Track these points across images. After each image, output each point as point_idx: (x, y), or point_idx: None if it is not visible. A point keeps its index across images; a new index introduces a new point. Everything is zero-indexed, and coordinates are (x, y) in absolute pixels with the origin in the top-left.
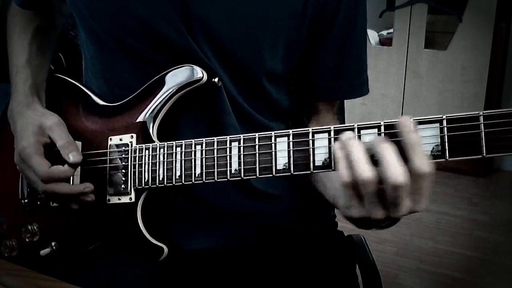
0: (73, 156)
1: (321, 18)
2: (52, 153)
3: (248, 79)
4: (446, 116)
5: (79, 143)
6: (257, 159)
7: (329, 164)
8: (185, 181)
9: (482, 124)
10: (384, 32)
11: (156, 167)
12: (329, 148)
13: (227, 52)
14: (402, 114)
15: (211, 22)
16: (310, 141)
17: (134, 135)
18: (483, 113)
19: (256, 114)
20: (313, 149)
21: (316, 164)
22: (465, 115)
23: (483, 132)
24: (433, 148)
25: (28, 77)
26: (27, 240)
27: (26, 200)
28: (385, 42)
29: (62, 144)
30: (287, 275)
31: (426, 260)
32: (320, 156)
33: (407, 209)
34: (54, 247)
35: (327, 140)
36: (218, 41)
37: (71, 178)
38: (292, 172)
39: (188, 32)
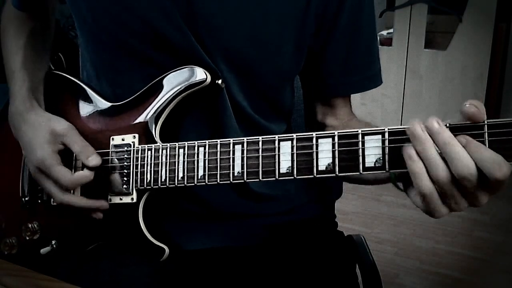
0: (92, 160)
1: (326, 12)
2: (66, 158)
3: (255, 78)
4: (449, 125)
5: None
6: (260, 162)
7: (332, 169)
8: (187, 183)
9: (486, 133)
10: (384, 32)
11: (158, 167)
12: (333, 152)
13: (233, 51)
14: (402, 114)
15: (215, 20)
16: (314, 145)
17: (137, 136)
18: (487, 121)
19: (257, 116)
20: (317, 153)
21: (319, 169)
22: (470, 124)
23: (487, 141)
24: None
25: (24, 80)
26: (27, 238)
27: (26, 198)
28: (385, 42)
29: (79, 150)
30: (288, 275)
31: (426, 260)
32: (323, 161)
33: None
34: (54, 246)
35: (330, 144)
36: (223, 40)
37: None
38: (295, 176)
39: (194, 32)
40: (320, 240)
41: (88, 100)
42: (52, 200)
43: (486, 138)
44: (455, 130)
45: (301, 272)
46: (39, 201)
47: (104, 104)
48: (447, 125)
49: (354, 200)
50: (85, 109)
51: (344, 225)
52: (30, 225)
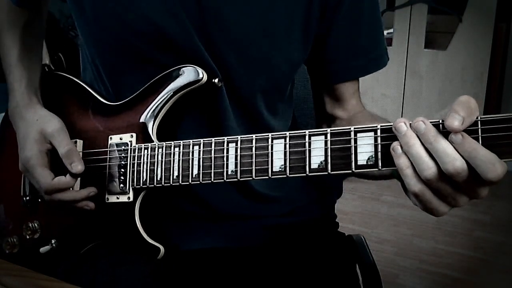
0: (75, 167)
1: None
2: (56, 159)
3: (266, 68)
4: (442, 121)
5: (80, 142)
6: (254, 160)
7: (324, 167)
8: (182, 181)
9: (480, 130)
10: (384, 32)
11: (154, 166)
12: (325, 150)
13: (244, 43)
14: (402, 114)
15: (224, 13)
16: (307, 143)
17: (134, 135)
18: (480, 118)
19: (265, 112)
20: (309, 151)
21: (312, 167)
22: None
23: (480, 138)
24: None
25: (22, 75)
26: (27, 237)
27: (27, 198)
28: (385, 42)
29: (64, 153)
30: (288, 275)
31: (426, 260)
32: (316, 159)
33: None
34: (54, 245)
35: (323, 142)
36: (233, 32)
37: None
38: (288, 174)
39: (202, 28)
40: (321, 241)
41: (88, 100)
42: (56, 208)
43: (480, 134)
44: (451, 134)
45: (302, 272)
46: (40, 200)
47: (103, 103)
48: (440, 121)
49: (354, 200)
50: (84, 108)
51: (344, 225)
52: (30, 224)
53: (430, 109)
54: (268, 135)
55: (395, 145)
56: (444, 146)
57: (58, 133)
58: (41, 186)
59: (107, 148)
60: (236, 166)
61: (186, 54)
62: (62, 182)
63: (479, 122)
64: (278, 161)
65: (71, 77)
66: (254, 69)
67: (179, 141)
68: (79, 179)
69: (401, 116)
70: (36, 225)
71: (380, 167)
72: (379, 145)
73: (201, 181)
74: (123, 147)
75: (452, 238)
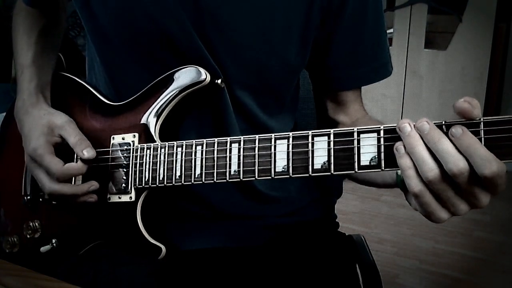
0: (87, 152)
1: (331, 5)
2: (62, 152)
3: (262, 73)
4: (445, 122)
5: None
6: (256, 160)
7: (327, 168)
8: (184, 181)
9: (482, 131)
10: None
11: (156, 166)
12: (328, 151)
13: (240, 46)
14: (402, 114)
15: (222, 15)
16: (310, 144)
17: (137, 135)
18: (483, 119)
19: (263, 115)
20: (312, 152)
21: (315, 167)
22: (466, 121)
23: (483, 139)
24: None
25: (33, 76)
26: (28, 236)
27: (28, 197)
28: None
29: (75, 142)
30: (288, 276)
31: (426, 260)
32: (319, 159)
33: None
34: (54, 244)
35: (326, 143)
36: (230, 35)
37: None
38: (291, 175)
39: (200, 28)
40: (322, 241)
41: (91, 100)
42: (56, 202)
43: (482, 135)
44: (451, 127)
45: (302, 272)
46: (41, 199)
47: (106, 104)
48: (444, 122)
49: (354, 200)
50: (88, 109)
51: (344, 225)
52: (31, 224)
53: (430, 109)
54: (271, 136)
55: (399, 145)
56: (447, 146)
57: (67, 125)
58: (52, 172)
59: (110, 148)
60: (238, 166)
61: (188, 54)
62: (73, 168)
63: (481, 123)
64: (281, 162)
65: (73, 77)
66: (249, 71)
67: (182, 141)
68: (80, 177)
69: (401, 116)
70: (36, 224)
71: (383, 168)
72: (382, 146)
73: (203, 181)
74: (125, 147)
75: (452, 238)
